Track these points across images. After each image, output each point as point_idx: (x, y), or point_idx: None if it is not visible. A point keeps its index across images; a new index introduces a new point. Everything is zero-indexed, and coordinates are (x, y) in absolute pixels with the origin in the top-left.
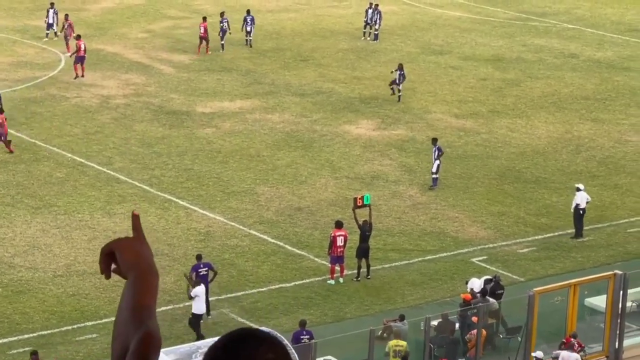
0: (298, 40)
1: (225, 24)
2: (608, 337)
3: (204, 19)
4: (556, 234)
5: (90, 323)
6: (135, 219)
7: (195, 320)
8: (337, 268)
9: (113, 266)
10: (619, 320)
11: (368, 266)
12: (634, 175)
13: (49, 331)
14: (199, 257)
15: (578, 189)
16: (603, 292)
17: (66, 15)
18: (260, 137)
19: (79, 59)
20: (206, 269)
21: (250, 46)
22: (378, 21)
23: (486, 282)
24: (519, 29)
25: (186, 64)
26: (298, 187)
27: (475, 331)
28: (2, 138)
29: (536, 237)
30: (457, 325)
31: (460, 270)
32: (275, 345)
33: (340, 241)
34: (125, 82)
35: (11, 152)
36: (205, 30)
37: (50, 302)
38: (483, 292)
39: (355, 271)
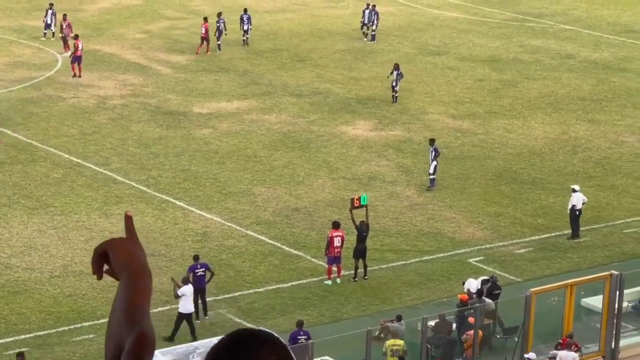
0: (295, 40)
1: (222, 25)
2: (604, 337)
3: (205, 19)
4: (553, 234)
5: (87, 323)
6: (128, 219)
7: (179, 319)
8: (334, 268)
9: (105, 267)
10: (615, 321)
11: (365, 267)
12: (630, 176)
13: (45, 332)
14: (196, 258)
15: (574, 190)
16: (599, 292)
17: (64, 15)
18: (257, 138)
19: (76, 59)
20: (203, 269)
21: (247, 44)
22: (375, 22)
23: (483, 282)
24: (515, 30)
25: (183, 64)
26: (295, 188)
27: (471, 332)
28: None
29: (533, 238)
30: (454, 325)
31: (457, 271)
32: (277, 346)
33: (337, 242)
34: (122, 83)
35: None
36: (207, 30)
37: (47, 302)
38: (479, 292)
39: (352, 272)
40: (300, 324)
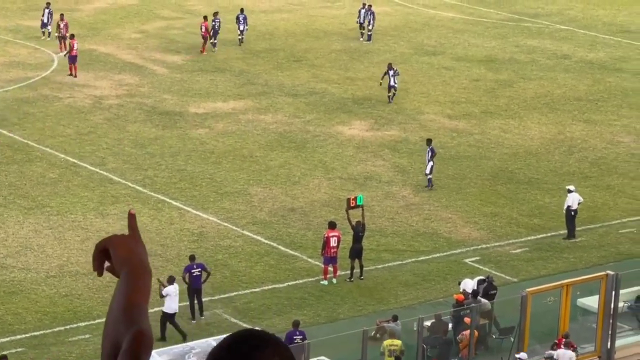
0: (291, 40)
1: (217, 24)
2: (600, 337)
3: (205, 18)
4: (549, 234)
5: (83, 324)
6: (132, 217)
7: (164, 319)
8: (330, 269)
9: (107, 264)
10: (611, 321)
11: (361, 267)
12: (626, 176)
13: (41, 332)
14: (192, 258)
15: (569, 191)
16: (595, 292)
17: (61, 15)
18: (253, 138)
19: (72, 59)
20: (199, 269)
21: (241, 43)
22: (371, 22)
23: (479, 282)
24: (511, 30)
25: (179, 64)
26: (291, 188)
27: (467, 332)
28: None
29: (529, 238)
30: (450, 325)
31: (453, 271)
32: (280, 348)
33: (333, 242)
34: (118, 83)
35: None
36: (207, 29)
37: (43, 302)
38: (475, 293)
39: (348, 272)
40: (296, 324)
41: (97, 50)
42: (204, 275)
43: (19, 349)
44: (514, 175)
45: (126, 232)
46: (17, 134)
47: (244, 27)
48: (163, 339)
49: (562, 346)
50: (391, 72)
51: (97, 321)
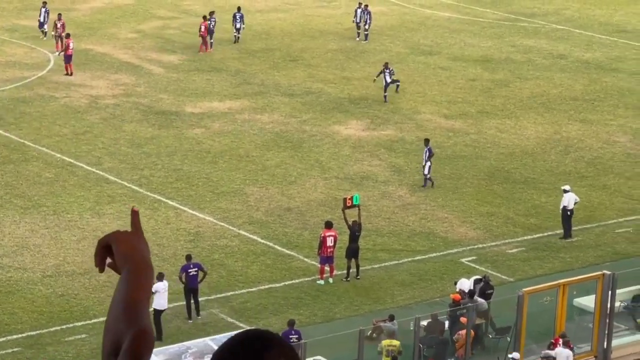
0: (287, 40)
1: (213, 23)
2: (597, 337)
3: (204, 17)
4: (545, 234)
5: (79, 323)
6: (134, 214)
7: (155, 316)
8: (327, 268)
9: (108, 260)
10: (607, 320)
11: (357, 266)
12: (622, 175)
13: (37, 331)
14: (188, 258)
15: (565, 191)
16: (592, 292)
17: (59, 14)
18: (249, 138)
19: (67, 58)
20: (196, 269)
21: (238, 42)
22: (368, 21)
23: (476, 282)
24: (507, 30)
25: (175, 64)
26: (287, 188)
27: (463, 331)
28: None
29: (525, 238)
30: (446, 325)
31: (450, 271)
32: (285, 348)
33: (330, 241)
34: (114, 82)
35: None
36: (206, 29)
37: (39, 302)
38: (471, 292)
39: (345, 271)
40: (291, 323)
41: (93, 50)
42: (201, 274)
43: (15, 349)
44: (510, 174)
45: (128, 229)
46: (14, 133)
47: (240, 25)
48: (159, 339)
49: (559, 345)
50: (387, 71)
51: (93, 321)
